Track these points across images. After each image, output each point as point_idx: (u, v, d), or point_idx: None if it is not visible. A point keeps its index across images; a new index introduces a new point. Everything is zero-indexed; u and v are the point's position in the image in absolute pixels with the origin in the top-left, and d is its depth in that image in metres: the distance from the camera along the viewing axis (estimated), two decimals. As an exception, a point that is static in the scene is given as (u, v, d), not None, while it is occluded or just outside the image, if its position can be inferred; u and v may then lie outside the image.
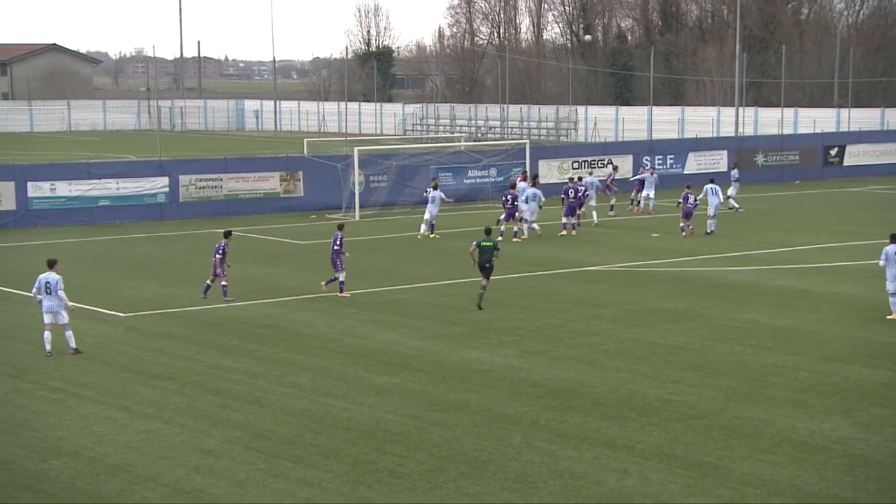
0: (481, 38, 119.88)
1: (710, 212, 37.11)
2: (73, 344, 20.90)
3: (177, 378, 19.33)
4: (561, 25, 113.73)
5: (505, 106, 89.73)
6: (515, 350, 21.08)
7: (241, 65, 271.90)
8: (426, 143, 74.61)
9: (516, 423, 16.57)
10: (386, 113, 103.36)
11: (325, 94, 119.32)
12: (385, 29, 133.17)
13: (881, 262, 23.48)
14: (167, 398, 18.10)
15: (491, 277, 25.46)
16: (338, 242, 26.25)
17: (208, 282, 26.06)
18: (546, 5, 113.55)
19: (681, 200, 37.08)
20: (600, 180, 41.96)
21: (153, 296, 26.89)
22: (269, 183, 44.39)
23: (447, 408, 17.39)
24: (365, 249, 34.57)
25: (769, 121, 74.91)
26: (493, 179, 46.89)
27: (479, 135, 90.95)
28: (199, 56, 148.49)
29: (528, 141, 51.87)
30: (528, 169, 44.95)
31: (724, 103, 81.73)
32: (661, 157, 52.92)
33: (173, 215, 42.24)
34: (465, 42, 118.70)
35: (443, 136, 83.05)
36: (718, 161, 54.43)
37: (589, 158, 50.92)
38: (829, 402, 17.57)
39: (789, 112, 74.49)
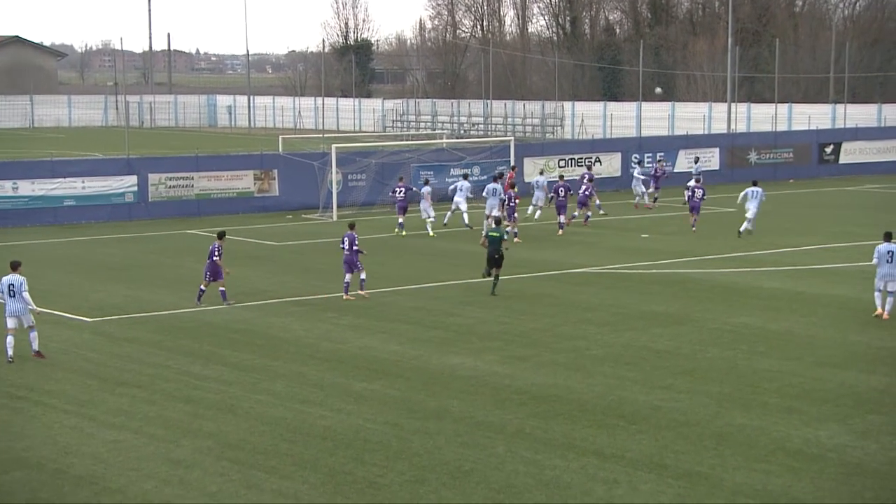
0: (464, 31, 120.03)
1: (750, 214, 36.54)
2: (35, 346, 20.85)
3: (145, 385, 19.25)
4: (547, 18, 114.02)
5: (488, 101, 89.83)
6: (499, 355, 21.09)
7: (214, 58, 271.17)
8: (407, 140, 74.61)
9: (500, 432, 16.57)
10: (365, 109, 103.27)
11: (301, 89, 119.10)
12: (364, 21, 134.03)
13: (874, 260, 23.90)
14: (135, 406, 18.03)
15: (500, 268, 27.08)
16: (356, 243, 26.62)
17: (202, 286, 25.89)
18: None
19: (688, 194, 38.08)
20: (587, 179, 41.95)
21: (121, 300, 26.78)
22: (243, 182, 44.29)
23: (428, 415, 17.39)
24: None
25: (762, 117, 75.24)
26: (476, 178, 46.88)
27: (462, 132, 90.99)
28: (168, 49, 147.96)
29: (512, 138, 51.95)
30: (514, 164, 45.09)
31: (715, 99, 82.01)
32: (650, 154, 53.04)
33: (142, 216, 42.09)
34: (447, 35, 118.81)
35: (424, 133, 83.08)
36: (710, 159, 54.63)
37: (576, 156, 51.03)
38: (824, 409, 17.64)
39: (783, 108, 74.84)
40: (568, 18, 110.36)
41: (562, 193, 37.52)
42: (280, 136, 53.89)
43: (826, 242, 35.18)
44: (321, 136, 62.51)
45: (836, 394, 18.48)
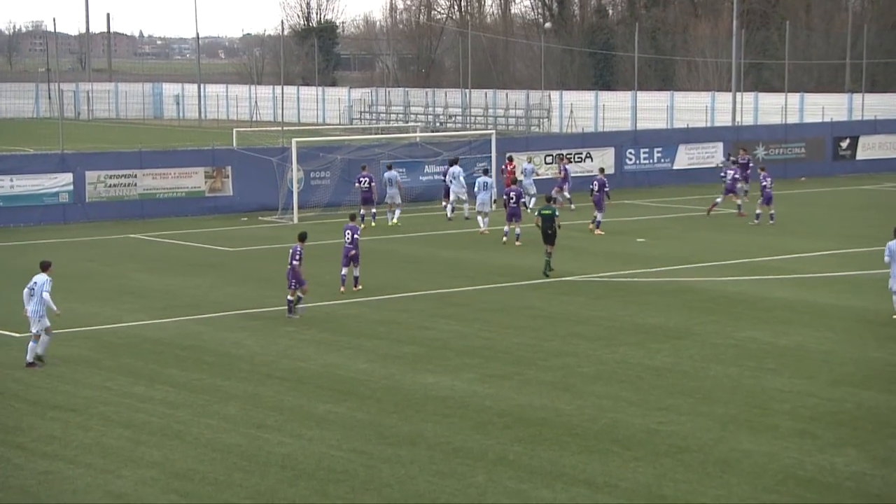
0: (440, 12, 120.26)
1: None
2: (30, 358, 21.53)
3: (81, 409, 19.13)
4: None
5: (467, 91, 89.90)
6: (479, 373, 21.08)
7: (159, 42, 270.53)
8: (376, 133, 74.56)
9: (480, 459, 16.56)
10: (329, 99, 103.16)
11: (257, 77, 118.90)
12: (327, 1, 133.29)
13: (886, 258, 24.25)
14: (69, 433, 17.91)
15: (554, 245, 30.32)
16: (357, 234, 27.97)
17: (290, 297, 25.74)
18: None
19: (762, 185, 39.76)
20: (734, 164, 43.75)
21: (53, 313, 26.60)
22: (193, 180, 44.16)
23: (400, 441, 17.36)
24: (305, 258, 34.35)
25: (771, 108, 75.62)
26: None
27: (438, 124, 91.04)
28: (108, 31, 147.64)
29: (494, 131, 52.01)
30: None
31: (719, 88, 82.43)
32: (647, 149, 53.26)
33: (78, 218, 41.88)
34: (421, 16, 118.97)
35: (395, 125, 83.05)
36: (713, 154, 54.87)
37: (564, 151, 51.12)
38: (840, 433, 17.72)
39: (794, 98, 75.29)
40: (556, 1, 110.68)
41: (513, 197, 35.83)
42: (234, 129, 53.81)
43: (841, 247, 35.38)
44: (280, 129, 62.40)
45: (853, 416, 18.56)
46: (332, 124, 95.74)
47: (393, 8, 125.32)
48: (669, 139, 55.29)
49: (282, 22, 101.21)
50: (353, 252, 28.06)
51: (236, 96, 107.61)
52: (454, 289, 29.12)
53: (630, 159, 52.55)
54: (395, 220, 40.04)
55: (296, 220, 41.79)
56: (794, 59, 76.60)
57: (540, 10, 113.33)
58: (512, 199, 35.64)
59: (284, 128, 63.08)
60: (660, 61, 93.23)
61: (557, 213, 30.94)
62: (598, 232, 37.91)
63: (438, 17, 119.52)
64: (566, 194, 43.60)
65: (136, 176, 43.14)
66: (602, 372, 21.17)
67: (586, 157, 51.05)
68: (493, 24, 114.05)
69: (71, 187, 42.10)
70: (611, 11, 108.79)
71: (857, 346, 23.06)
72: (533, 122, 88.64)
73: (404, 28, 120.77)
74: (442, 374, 21.09)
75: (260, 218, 42.96)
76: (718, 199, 42.08)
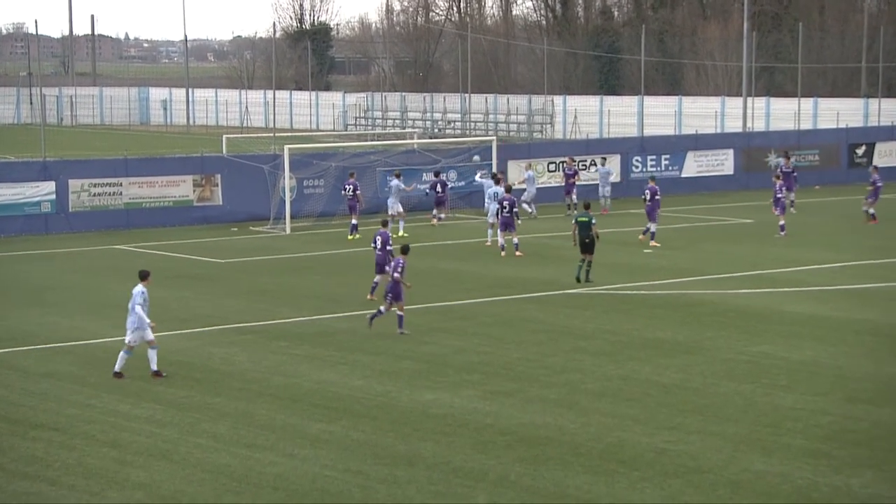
0: (438, 14, 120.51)
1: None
2: (118, 367, 22.13)
3: (64, 428, 19.12)
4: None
5: (467, 96, 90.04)
6: (480, 390, 21.08)
7: (146, 45, 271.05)
8: (372, 140, 74.61)
9: (481, 479, 16.56)
10: (323, 104, 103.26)
11: (248, 81, 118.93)
12: (322, 2, 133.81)
13: None
14: (52, 453, 17.90)
15: (592, 254, 30.92)
16: (389, 242, 27.95)
17: (382, 308, 25.55)
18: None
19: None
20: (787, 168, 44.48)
21: (35, 327, 26.63)
22: (180, 189, 44.18)
23: (397, 461, 17.35)
24: (298, 270, 34.50)
25: (783, 113, 75.72)
26: (452, 184, 46.95)
27: (436, 130, 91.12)
28: (92, 34, 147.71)
29: (494, 138, 52.00)
30: (495, 170, 45.24)
31: (729, 92, 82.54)
32: (654, 156, 53.30)
33: (61, 228, 41.89)
34: (419, 18, 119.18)
35: (392, 131, 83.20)
36: (724, 162, 54.93)
37: (568, 158, 51.07)
38: (856, 453, 17.72)
39: (807, 103, 75.38)
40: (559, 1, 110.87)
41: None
42: (224, 136, 53.84)
43: (856, 259, 35.39)
44: (272, 135, 62.46)
45: (870, 435, 18.56)
46: (326, 130, 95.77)
47: (389, 9, 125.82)
48: (677, 146, 55.35)
49: (273, 24, 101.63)
50: (384, 259, 27.26)
51: (226, 101, 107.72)
52: (453, 302, 29.13)
53: (636, 167, 52.57)
54: (401, 233, 39.97)
55: (288, 231, 41.82)
56: (807, 63, 76.72)
57: (542, 12, 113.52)
58: (505, 208, 35.77)
59: (276, 134, 63.14)
60: (667, 65, 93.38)
61: (594, 221, 31.23)
62: (652, 244, 37.24)
63: (437, 18, 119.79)
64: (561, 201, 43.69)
65: (121, 184, 43.15)
66: (608, 389, 21.17)
67: (591, 164, 51.06)
68: (493, 26, 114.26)
69: (53, 196, 42.10)
70: (616, 13, 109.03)
71: (873, 362, 23.06)
72: (535, 128, 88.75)
73: (401, 30, 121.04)
74: (441, 390, 21.09)
75: (251, 228, 42.97)
76: (781, 222, 39.55)
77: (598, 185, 47.36)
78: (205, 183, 44.52)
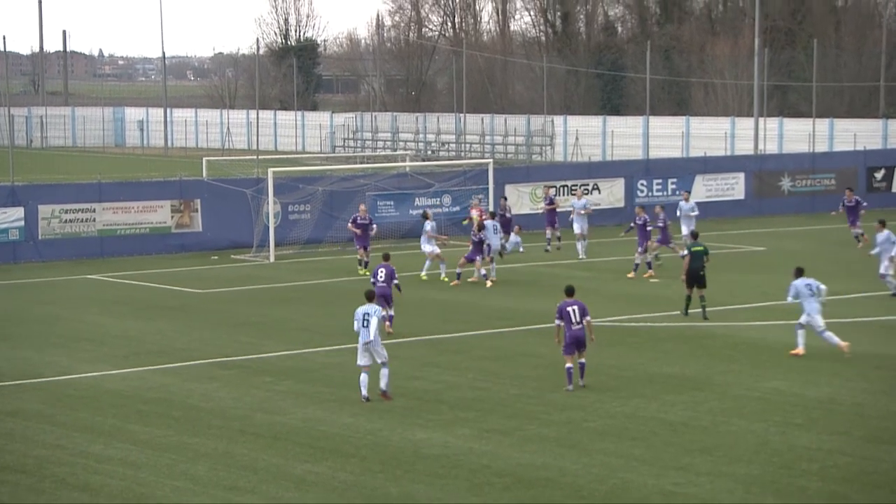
0: (431, 29, 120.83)
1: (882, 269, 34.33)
2: (364, 392, 22.88)
3: (32, 471, 19.06)
4: (533, 13, 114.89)
5: (462, 115, 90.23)
6: (475, 429, 21.06)
7: (121, 62, 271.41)
8: (361, 163, 74.69)
9: (477, 525, 16.53)
10: (309, 125, 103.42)
11: (230, 101, 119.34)
12: (308, 17, 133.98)
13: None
14: (18, 497, 17.85)
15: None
16: (395, 276, 28.51)
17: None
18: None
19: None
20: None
21: (2, 362, 26.57)
22: (158, 214, 44.16)
23: (387, 505, 17.32)
24: (283, 300, 34.47)
25: (797, 135, 75.93)
26: (447, 209, 47.00)
27: (429, 152, 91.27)
28: (64, 50, 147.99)
29: (491, 160, 52.16)
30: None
31: (739, 113, 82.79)
32: (660, 180, 53.37)
33: (30, 257, 41.85)
34: (411, 34, 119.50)
35: (382, 153, 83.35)
36: (734, 186, 55.01)
37: (569, 182, 51.26)
38: (876, 496, 17.70)
39: (823, 124, 75.59)
40: (559, 14, 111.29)
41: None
42: (204, 158, 53.80)
43: (875, 290, 35.40)
44: (255, 157, 62.50)
45: (891, 477, 18.54)
46: (313, 152, 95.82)
47: (380, 25, 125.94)
48: (685, 169, 55.42)
49: (257, 40, 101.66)
50: (387, 293, 28.10)
51: (206, 122, 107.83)
52: (447, 334, 29.11)
53: (642, 191, 52.64)
54: (423, 275, 39.11)
55: (272, 259, 41.80)
56: (822, 82, 76.97)
57: (542, 27, 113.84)
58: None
59: (260, 156, 63.11)
60: (674, 83, 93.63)
61: (709, 252, 30.83)
62: (629, 275, 37.42)
63: (430, 34, 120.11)
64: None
65: (94, 210, 43.11)
66: (611, 427, 21.15)
67: (593, 188, 51.15)
68: (490, 42, 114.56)
69: (22, 223, 42.04)
70: (620, 29, 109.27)
71: (893, 399, 23.06)
72: (534, 150, 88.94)
73: (392, 47, 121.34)
74: (434, 429, 21.06)
75: (232, 256, 42.94)
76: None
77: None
78: (183, 208, 44.50)
